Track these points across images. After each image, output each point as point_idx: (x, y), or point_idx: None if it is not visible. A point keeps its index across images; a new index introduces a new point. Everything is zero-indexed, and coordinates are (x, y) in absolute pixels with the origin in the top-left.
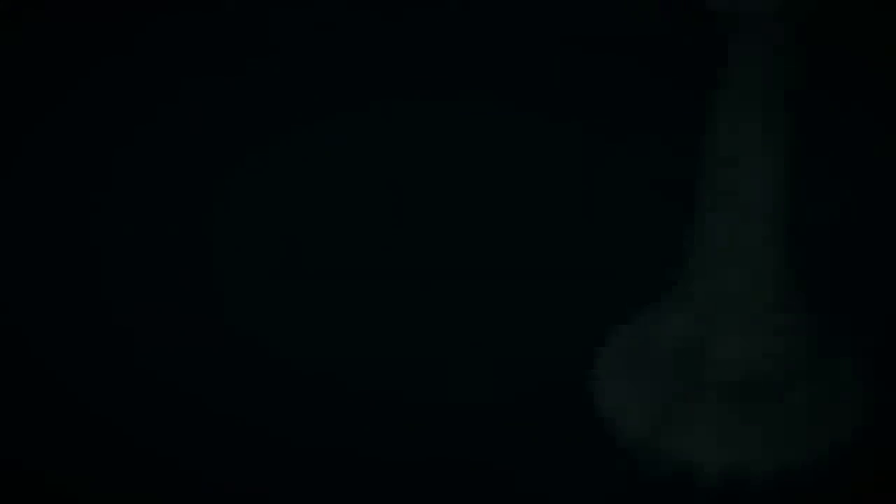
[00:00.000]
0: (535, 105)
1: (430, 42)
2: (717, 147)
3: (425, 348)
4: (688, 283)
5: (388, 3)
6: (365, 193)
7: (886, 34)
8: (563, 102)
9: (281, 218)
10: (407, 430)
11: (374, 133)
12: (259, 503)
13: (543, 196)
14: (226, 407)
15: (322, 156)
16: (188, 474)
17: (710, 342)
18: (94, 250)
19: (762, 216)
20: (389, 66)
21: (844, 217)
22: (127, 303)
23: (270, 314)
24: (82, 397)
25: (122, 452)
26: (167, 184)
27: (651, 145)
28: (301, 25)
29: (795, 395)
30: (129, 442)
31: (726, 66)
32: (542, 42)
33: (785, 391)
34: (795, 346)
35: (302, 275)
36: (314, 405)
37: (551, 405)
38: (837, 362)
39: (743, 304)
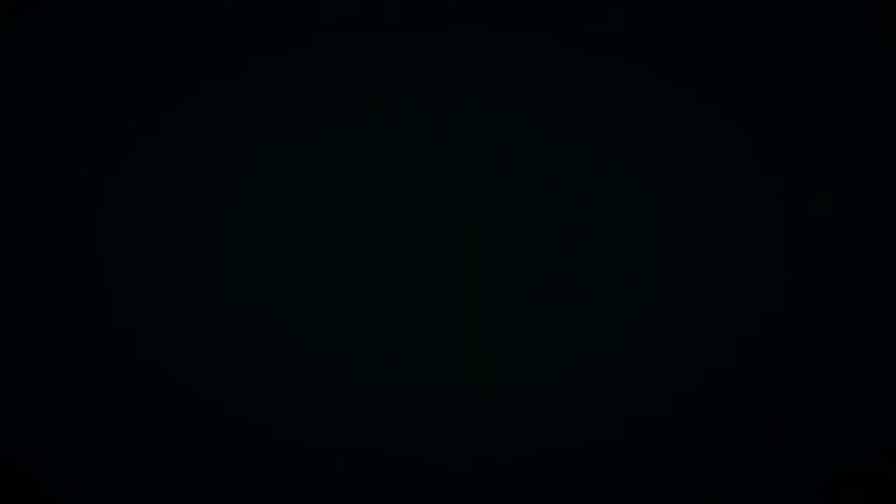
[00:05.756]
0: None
1: (429, 42)
2: None
3: (423, 347)
4: None
5: (388, 2)
6: (364, 193)
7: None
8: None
9: (281, 218)
10: (406, 428)
11: (373, 133)
12: (259, 503)
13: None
14: (226, 407)
15: (322, 155)
16: (188, 474)
17: None
18: (95, 250)
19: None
20: (389, 66)
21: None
22: (128, 302)
23: (271, 313)
24: (83, 397)
25: (122, 452)
26: (167, 183)
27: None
28: (301, 25)
29: None
30: (129, 442)
31: None
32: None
33: None
34: None
35: (302, 275)
36: (314, 404)
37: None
38: None
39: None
